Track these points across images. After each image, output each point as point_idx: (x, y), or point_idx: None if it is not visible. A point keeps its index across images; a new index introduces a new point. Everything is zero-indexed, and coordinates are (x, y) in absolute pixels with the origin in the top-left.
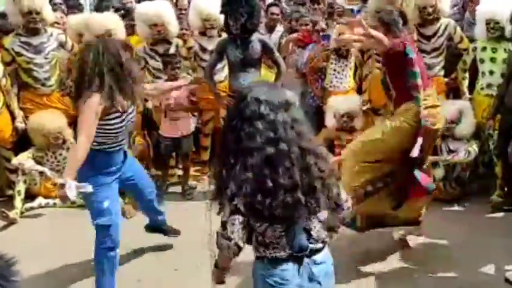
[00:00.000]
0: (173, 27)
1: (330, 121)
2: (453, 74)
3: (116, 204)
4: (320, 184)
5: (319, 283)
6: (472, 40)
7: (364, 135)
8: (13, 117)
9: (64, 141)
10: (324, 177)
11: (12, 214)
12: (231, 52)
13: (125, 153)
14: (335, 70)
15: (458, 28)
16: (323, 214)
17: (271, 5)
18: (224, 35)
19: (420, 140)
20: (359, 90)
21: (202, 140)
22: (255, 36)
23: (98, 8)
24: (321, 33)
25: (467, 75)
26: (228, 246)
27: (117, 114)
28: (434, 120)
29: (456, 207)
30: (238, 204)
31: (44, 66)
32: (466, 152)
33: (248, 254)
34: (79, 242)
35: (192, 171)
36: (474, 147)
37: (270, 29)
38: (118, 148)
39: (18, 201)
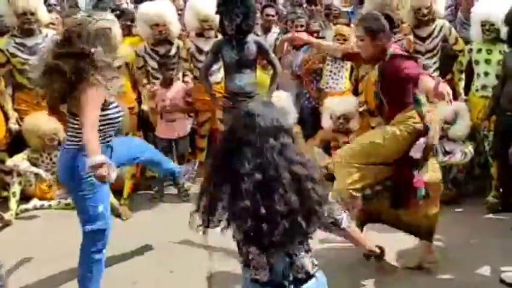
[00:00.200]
0: (175, 27)
1: (326, 122)
2: (448, 75)
3: (108, 205)
4: (319, 208)
5: None
6: (466, 41)
7: (363, 138)
8: (7, 119)
9: (60, 143)
10: (322, 202)
11: (7, 216)
12: (227, 53)
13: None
14: (331, 71)
15: (453, 29)
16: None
17: (266, 6)
18: (220, 36)
19: (422, 140)
20: (355, 92)
21: (198, 141)
22: (251, 38)
23: (95, 9)
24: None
25: (463, 76)
26: None
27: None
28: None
29: (452, 209)
30: (233, 232)
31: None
32: (462, 153)
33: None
34: (74, 243)
35: None
36: (470, 149)
37: (266, 30)
38: (105, 145)
39: (13, 203)
